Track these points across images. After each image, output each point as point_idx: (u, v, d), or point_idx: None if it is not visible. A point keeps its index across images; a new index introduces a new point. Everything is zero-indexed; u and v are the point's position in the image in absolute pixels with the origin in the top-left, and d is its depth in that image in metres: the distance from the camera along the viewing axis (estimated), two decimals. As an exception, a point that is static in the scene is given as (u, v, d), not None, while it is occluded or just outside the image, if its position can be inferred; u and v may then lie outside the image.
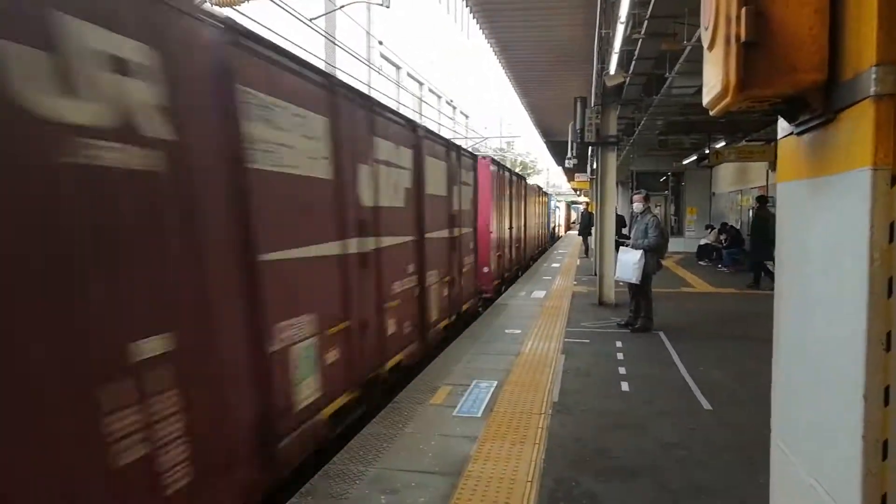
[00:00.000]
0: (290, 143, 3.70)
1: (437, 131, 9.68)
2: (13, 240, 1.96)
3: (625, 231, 12.81)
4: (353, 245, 4.65)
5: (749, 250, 14.29)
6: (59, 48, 2.12)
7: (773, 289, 1.83)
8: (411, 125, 6.51)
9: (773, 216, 12.34)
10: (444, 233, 7.67)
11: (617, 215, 14.70)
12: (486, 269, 11.27)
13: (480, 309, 10.22)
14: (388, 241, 5.42)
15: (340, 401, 4.36)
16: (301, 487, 3.65)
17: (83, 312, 2.18)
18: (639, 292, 8.17)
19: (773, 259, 12.48)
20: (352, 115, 4.72)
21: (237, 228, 3.13)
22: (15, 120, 1.96)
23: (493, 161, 11.69)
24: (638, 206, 8.28)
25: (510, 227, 14.20)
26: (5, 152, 1.94)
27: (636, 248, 7.94)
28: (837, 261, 1.34)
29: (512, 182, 14.55)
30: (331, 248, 4.29)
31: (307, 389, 3.85)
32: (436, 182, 7.27)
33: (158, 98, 2.57)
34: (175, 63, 2.68)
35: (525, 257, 17.97)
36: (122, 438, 2.30)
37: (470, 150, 12.20)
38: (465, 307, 8.89)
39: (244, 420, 3.16)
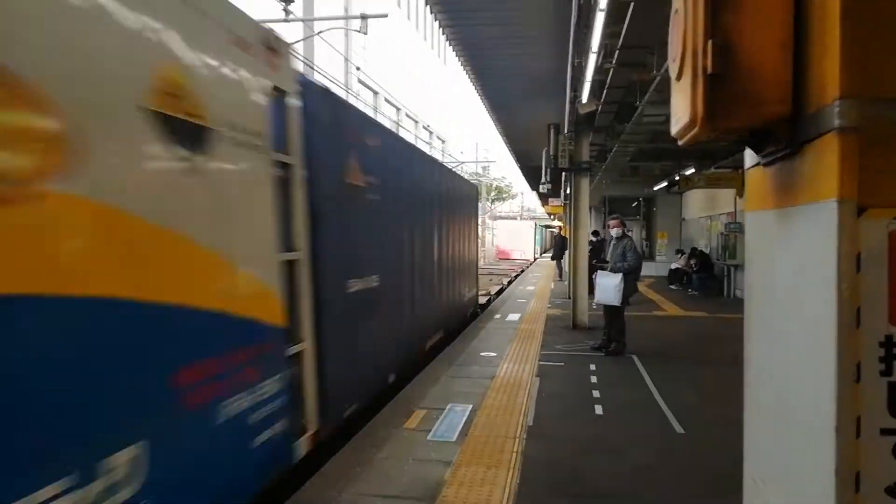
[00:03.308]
0: None
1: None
2: None
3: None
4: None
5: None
6: None
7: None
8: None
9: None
10: None
11: (603, 239, 14.92)
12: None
13: None
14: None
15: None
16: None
17: None
18: (614, 315, 8.26)
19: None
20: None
21: None
22: None
23: None
24: (616, 231, 8.41)
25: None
26: None
27: (615, 272, 8.06)
28: (805, 291, 1.36)
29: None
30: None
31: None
32: None
33: None
34: None
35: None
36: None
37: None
38: None
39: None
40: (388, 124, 25.16)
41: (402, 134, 27.07)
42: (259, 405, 3.37)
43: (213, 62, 3.05)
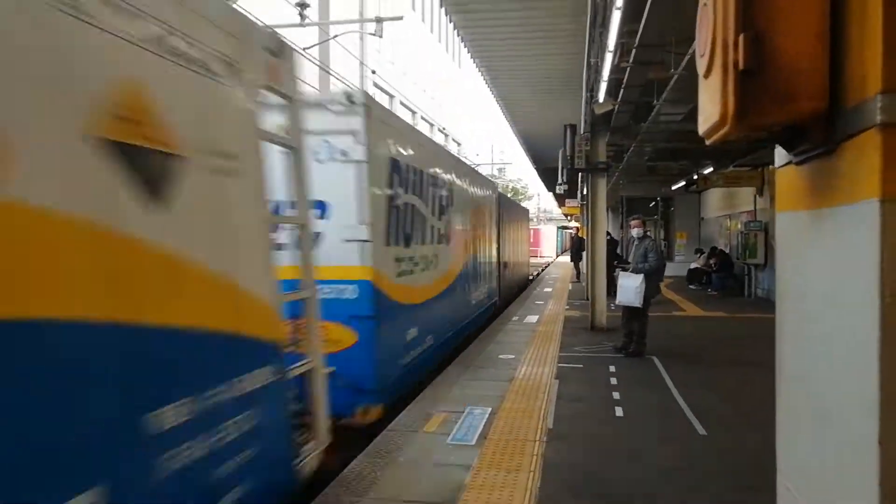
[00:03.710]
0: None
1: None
2: None
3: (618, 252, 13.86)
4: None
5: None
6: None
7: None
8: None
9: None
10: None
11: (612, 239, 14.81)
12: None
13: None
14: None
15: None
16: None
17: None
18: (634, 316, 8.16)
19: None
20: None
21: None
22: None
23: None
24: (637, 232, 8.32)
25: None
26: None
27: (637, 273, 7.96)
28: (844, 294, 1.30)
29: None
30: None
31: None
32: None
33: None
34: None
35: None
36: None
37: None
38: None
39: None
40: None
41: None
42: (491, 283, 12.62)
43: (489, 197, 12.63)
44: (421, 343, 6.74)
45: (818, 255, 1.45)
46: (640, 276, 7.89)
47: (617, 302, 8.45)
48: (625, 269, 8.31)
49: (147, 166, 2.27)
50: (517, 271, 17.87)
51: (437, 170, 7.79)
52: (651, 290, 7.99)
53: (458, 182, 9.08)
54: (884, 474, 1.15)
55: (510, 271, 15.70)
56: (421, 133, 8.72)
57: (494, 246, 12.80)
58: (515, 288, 17.21)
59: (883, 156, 1.13)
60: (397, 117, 7.36)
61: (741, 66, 1.29)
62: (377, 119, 5.50)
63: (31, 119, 1.84)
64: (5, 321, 1.71)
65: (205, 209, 2.68)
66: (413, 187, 6.58)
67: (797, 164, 1.52)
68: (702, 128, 1.54)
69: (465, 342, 9.11)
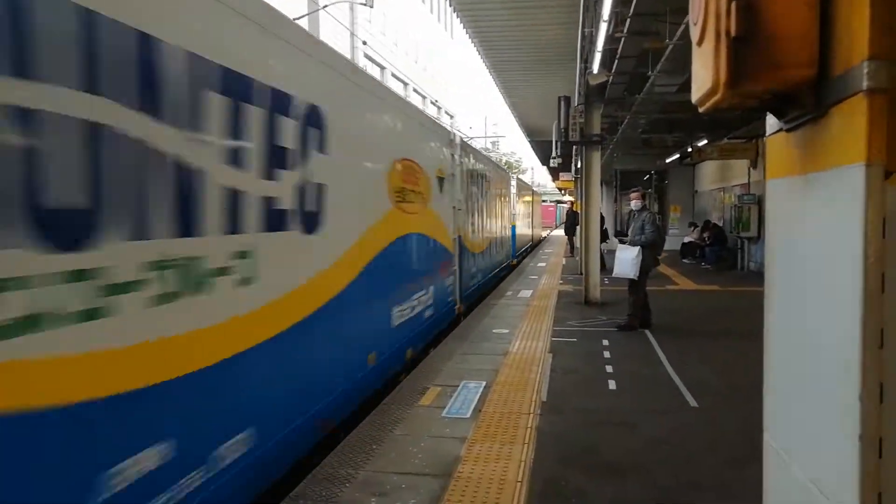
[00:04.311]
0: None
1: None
2: None
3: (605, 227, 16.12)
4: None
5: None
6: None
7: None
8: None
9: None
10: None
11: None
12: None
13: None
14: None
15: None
16: (290, 491, 3.61)
17: None
18: (632, 289, 8.18)
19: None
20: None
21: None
22: None
23: None
24: (636, 204, 8.30)
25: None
26: None
27: (634, 245, 7.96)
28: (830, 257, 1.33)
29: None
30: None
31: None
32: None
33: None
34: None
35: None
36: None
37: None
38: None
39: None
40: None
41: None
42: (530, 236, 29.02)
43: (531, 193, 30.21)
44: (522, 245, 22.06)
45: (806, 219, 1.48)
46: (637, 248, 7.89)
47: (613, 274, 8.45)
48: (623, 241, 8.31)
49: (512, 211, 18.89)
50: (537, 232, 32.26)
51: (526, 198, 23.67)
52: (648, 262, 8.00)
53: (528, 196, 25.09)
54: (864, 428, 1.19)
55: (535, 231, 29.86)
56: (527, 185, 27.69)
57: (531, 219, 26.58)
58: (536, 240, 29.81)
59: (868, 121, 1.14)
60: (522, 181, 24.25)
61: (733, 33, 1.30)
62: (518, 178, 22.36)
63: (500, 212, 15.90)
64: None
65: (505, 214, 16.86)
66: (524, 202, 23.47)
67: (787, 130, 1.53)
68: (695, 95, 1.55)
69: (522, 257, 21.41)
